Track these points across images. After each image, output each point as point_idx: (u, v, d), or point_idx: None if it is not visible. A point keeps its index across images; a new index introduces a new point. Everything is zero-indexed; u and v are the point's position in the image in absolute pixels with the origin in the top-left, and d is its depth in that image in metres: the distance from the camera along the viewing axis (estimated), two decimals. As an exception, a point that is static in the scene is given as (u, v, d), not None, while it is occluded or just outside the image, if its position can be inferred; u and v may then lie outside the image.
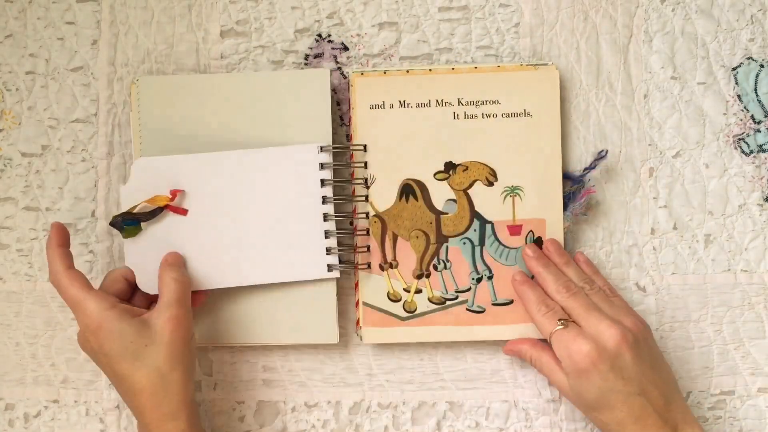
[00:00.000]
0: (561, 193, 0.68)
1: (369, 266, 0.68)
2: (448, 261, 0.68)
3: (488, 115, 0.68)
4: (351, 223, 0.69)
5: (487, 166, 0.68)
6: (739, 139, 0.71)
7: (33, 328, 0.71)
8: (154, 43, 0.71)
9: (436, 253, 0.68)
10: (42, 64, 0.72)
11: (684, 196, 0.70)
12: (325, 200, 0.67)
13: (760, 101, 0.70)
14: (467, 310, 0.68)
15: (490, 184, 0.68)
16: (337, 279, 0.68)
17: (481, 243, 0.68)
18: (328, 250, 0.68)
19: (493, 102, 0.68)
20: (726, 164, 0.71)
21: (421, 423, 0.70)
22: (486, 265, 0.68)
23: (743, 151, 0.71)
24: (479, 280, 0.68)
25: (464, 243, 0.68)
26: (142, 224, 0.66)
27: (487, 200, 0.68)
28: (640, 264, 0.70)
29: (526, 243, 0.68)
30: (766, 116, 0.71)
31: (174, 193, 0.66)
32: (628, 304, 0.67)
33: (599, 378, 0.60)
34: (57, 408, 0.71)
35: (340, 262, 0.68)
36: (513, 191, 0.68)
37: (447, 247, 0.68)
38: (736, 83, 0.71)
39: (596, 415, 0.62)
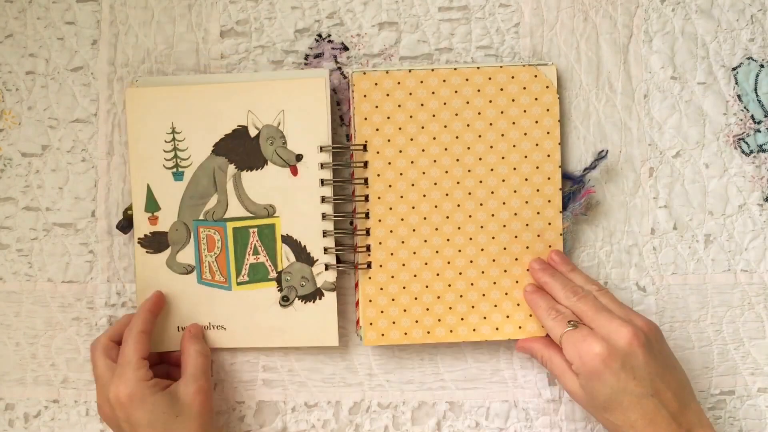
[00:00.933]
0: (560, 193, 0.68)
1: (369, 266, 0.68)
2: None
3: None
4: (351, 223, 0.69)
5: None
6: (739, 139, 0.71)
7: (33, 328, 0.71)
8: (154, 43, 0.71)
9: None
10: (42, 64, 0.72)
11: (684, 196, 0.70)
12: (324, 200, 0.67)
13: (760, 101, 0.70)
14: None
15: None
16: (337, 279, 0.68)
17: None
18: (326, 250, 0.68)
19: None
20: (726, 164, 0.71)
21: (421, 423, 0.70)
22: None
23: (743, 151, 0.71)
24: None
25: None
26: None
27: None
28: (640, 264, 0.70)
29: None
30: (766, 116, 0.71)
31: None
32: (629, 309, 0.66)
33: (611, 377, 0.59)
34: (57, 408, 0.71)
35: (341, 262, 0.68)
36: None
37: None
38: (736, 83, 0.71)
39: (608, 417, 0.60)
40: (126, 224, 0.70)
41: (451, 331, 0.68)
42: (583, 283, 0.66)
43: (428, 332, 0.68)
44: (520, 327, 0.68)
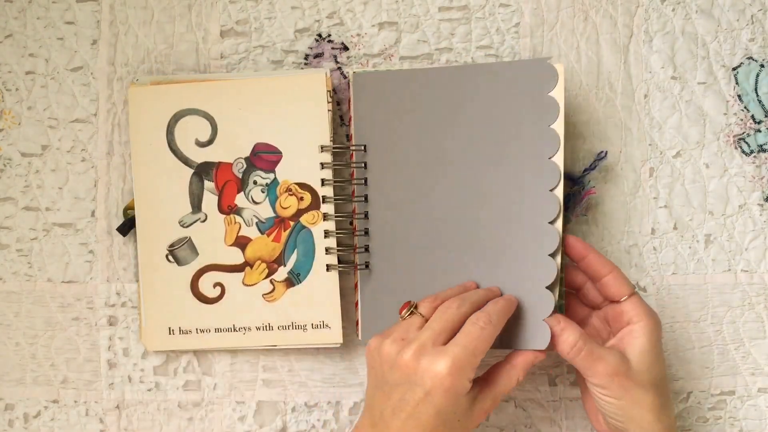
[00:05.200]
0: (560, 198, 0.68)
1: (367, 266, 0.68)
2: None
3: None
4: (351, 223, 0.69)
5: None
6: (740, 139, 0.71)
7: (33, 328, 0.71)
8: (154, 43, 0.71)
9: None
10: (42, 64, 0.72)
11: (684, 196, 0.70)
12: (324, 200, 0.67)
13: (760, 101, 0.70)
14: None
15: None
16: (339, 280, 0.68)
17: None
18: (327, 250, 0.68)
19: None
20: (726, 164, 0.71)
21: (421, 423, 0.70)
22: None
23: (743, 151, 0.71)
24: None
25: None
26: None
27: None
28: (641, 264, 0.70)
29: None
30: (766, 116, 0.71)
31: None
32: None
33: (661, 345, 0.62)
34: (57, 408, 0.71)
35: (340, 262, 0.68)
36: None
37: None
38: (737, 83, 0.71)
39: (651, 394, 0.60)
40: (127, 225, 0.70)
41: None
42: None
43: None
44: None
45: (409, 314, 0.61)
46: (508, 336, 0.63)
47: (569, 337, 0.60)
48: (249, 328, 0.69)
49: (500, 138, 0.66)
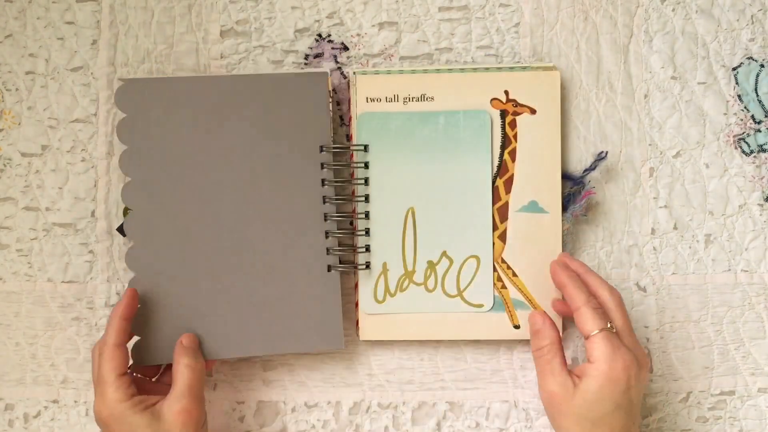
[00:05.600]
0: (560, 193, 0.68)
1: (367, 266, 0.68)
2: None
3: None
4: (351, 223, 0.69)
5: None
6: (740, 139, 0.71)
7: (33, 328, 0.71)
8: (154, 43, 0.71)
9: None
10: (42, 64, 0.72)
11: (684, 196, 0.70)
12: (325, 200, 0.67)
13: (760, 101, 0.70)
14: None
15: None
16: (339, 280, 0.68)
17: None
18: (329, 251, 0.68)
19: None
20: (726, 164, 0.71)
21: (421, 423, 0.70)
22: None
23: (743, 151, 0.71)
24: None
25: None
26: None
27: None
28: (641, 264, 0.70)
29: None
30: (766, 116, 0.71)
31: None
32: None
33: (620, 392, 0.59)
34: (57, 408, 0.71)
35: (340, 262, 0.68)
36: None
37: None
38: (737, 83, 0.71)
39: (589, 427, 0.60)
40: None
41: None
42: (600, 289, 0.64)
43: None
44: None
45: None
46: (306, 341, 0.67)
47: (541, 341, 0.63)
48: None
49: (272, 152, 0.67)
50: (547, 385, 0.62)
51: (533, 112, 0.68)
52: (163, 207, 0.67)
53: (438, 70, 0.69)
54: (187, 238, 0.67)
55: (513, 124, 0.68)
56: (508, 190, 0.68)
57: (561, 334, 0.65)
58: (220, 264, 0.67)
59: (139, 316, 0.66)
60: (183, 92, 0.67)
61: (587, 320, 0.61)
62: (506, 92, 0.68)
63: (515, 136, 0.68)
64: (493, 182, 0.68)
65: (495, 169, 0.68)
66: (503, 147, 0.68)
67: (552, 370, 0.62)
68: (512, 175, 0.68)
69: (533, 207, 0.68)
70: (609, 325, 0.61)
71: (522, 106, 0.68)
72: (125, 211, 0.70)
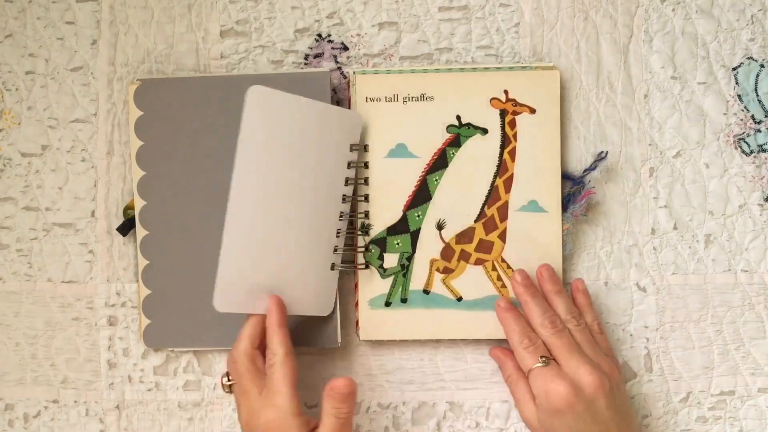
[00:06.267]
0: (560, 192, 0.68)
1: (367, 266, 0.68)
2: None
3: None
4: (351, 223, 0.69)
5: None
6: (740, 139, 0.71)
7: (33, 328, 0.71)
8: (154, 43, 0.71)
9: None
10: (42, 64, 0.72)
11: (684, 196, 0.70)
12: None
13: (760, 101, 0.70)
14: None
15: None
16: (338, 280, 0.68)
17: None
18: (336, 249, 0.67)
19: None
20: (726, 164, 0.71)
21: (421, 423, 0.70)
22: None
23: (743, 151, 0.71)
24: None
25: None
26: None
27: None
28: (641, 264, 0.70)
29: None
30: (766, 116, 0.71)
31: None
32: (610, 344, 0.67)
33: (572, 419, 0.61)
34: (57, 408, 0.71)
35: (343, 261, 0.68)
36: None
37: None
38: (737, 83, 0.71)
39: None
40: (127, 225, 0.70)
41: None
42: (564, 312, 0.65)
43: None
44: None
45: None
46: (302, 336, 0.68)
47: (504, 371, 0.67)
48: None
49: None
50: (521, 411, 0.65)
51: (533, 111, 0.68)
52: (175, 199, 0.69)
53: (438, 70, 0.69)
54: (197, 228, 0.69)
55: (513, 124, 0.68)
56: (507, 190, 0.68)
57: None
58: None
59: (150, 301, 0.69)
60: (196, 91, 0.68)
61: (521, 360, 0.64)
62: (506, 92, 0.68)
63: (515, 136, 0.68)
64: (493, 182, 0.68)
65: (495, 168, 0.68)
66: (503, 146, 0.68)
67: (520, 398, 0.65)
68: (512, 174, 0.68)
69: (533, 206, 0.68)
70: (541, 361, 0.62)
71: (521, 105, 0.68)
72: (125, 212, 0.70)
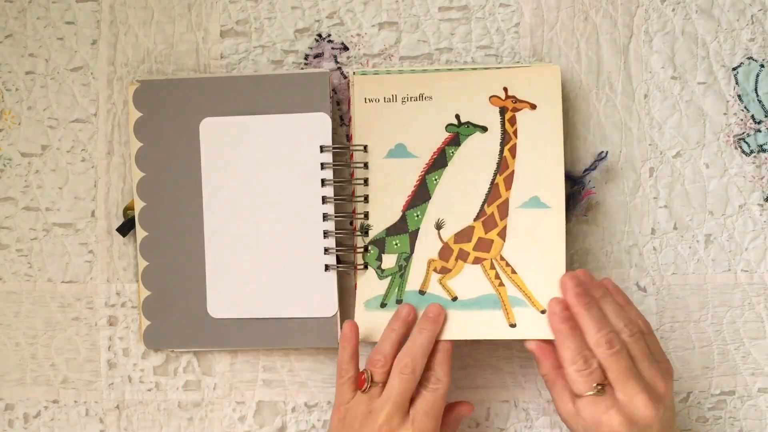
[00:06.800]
0: (563, 187, 0.68)
1: (366, 267, 0.68)
2: None
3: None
4: (351, 224, 0.69)
5: None
6: (740, 139, 0.71)
7: (33, 328, 0.71)
8: (154, 43, 0.71)
9: None
10: (42, 64, 0.72)
11: (684, 196, 0.70)
12: (325, 200, 0.67)
13: (760, 101, 0.70)
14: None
15: None
16: (338, 280, 0.68)
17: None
18: (326, 250, 0.68)
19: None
20: (726, 164, 0.70)
21: (421, 423, 0.70)
22: None
23: (743, 151, 0.71)
24: None
25: None
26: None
27: None
28: (641, 264, 0.70)
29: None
30: (766, 116, 0.71)
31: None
32: (659, 344, 0.63)
33: None
34: (57, 408, 0.71)
35: (340, 262, 0.68)
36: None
37: None
38: (737, 83, 0.71)
39: None
40: (127, 225, 0.70)
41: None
42: (616, 319, 0.61)
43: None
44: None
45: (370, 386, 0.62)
46: (301, 337, 0.68)
47: (541, 369, 0.63)
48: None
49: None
50: (559, 408, 0.62)
51: (533, 107, 0.68)
52: (174, 201, 0.69)
53: (438, 69, 0.69)
54: (197, 230, 0.69)
55: (513, 121, 0.68)
56: (508, 187, 0.68)
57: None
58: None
59: (150, 302, 0.69)
60: (194, 92, 0.68)
61: (573, 383, 0.60)
62: (505, 89, 0.68)
63: (515, 132, 0.68)
64: (493, 179, 0.68)
65: (495, 166, 0.68)
66: (503, 143, 0.68)
67: (558, 396, 0.62)
68: (512, 171, 0.68)
69: (535, 203, 0.68)
70: (596, 388, 0.59)
71: (522, 102, 0.68)
72: (125, 212, 0.70)
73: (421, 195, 0.68)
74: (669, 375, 0.61)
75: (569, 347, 0.60)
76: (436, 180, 0.68)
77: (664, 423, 0.59)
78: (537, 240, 0.68)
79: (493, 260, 0.68)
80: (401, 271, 0.68)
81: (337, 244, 0.68)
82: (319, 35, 0.71)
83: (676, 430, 0.62)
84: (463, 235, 0.68)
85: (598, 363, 0.59)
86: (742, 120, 0.71)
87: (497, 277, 0.68)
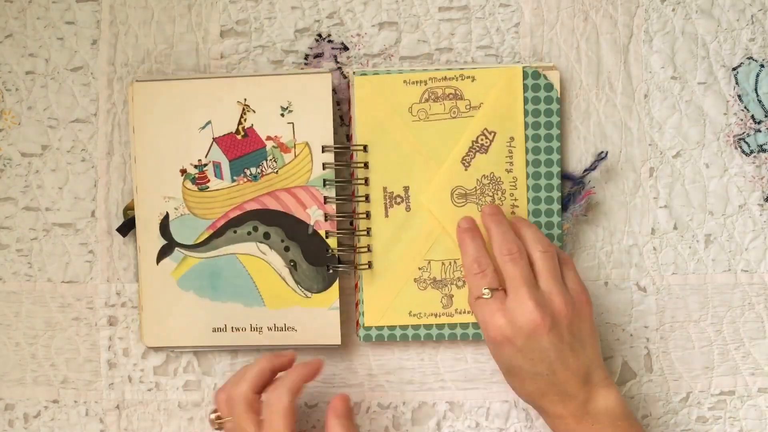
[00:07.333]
0: (561, 193, 0.68)
1: (369, 266, 0.68)
2: None
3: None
4: (351, 223, 0.69)
5: None
6: (740, 139, 0.71)
7: (33, 328, 0.71)
8: (154, 43, 0.71)
9: None
10: (42, 64, 0.72)
11: (684, 196, 0.70)
12: (326, 200, 0.68)
13: (760, 101, 0.70)
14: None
15: None
16: (338, 280, 0.68)
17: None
18: (328, 250, 0.68)
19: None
20: (726, 164, 0.71)
21: (421, 423, 0.70)
22: None
23: (743, 151, 0.71)
24: None
25: None
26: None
27: None
28: (641, 264, 0.70)
29: None
30: (766, 116, 0.71)
31: None
32: (578, 275, 0.64)
33: (509, 352, 0.61)
34: (57, 408, 0.71)
35: (341, 262, 0.68)
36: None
37: None
38: (737, 83, 0.71)
39: (509, 380, 0.63)
40: (127, 225, 0.70)
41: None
42: (533, 240, 0.63)
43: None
44: None
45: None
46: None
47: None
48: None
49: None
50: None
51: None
52: None
53: (438, 70, 0.69)
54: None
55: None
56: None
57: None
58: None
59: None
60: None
61: (468, 287, 0.64)
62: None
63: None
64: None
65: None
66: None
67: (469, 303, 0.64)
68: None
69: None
70: (485, 293, 0.61)
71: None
72: (125, 212, 0.70)
73: (421, 195, 0.69)
74: (579, 296, 0.62)
75: (468, 253, 0.64)
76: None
77: (558, 342, 0.60)
78: None
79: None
80: None
81: (338, 244, 0.68)
82: (319, 35, 0.71)
83: (587, 354, 0.61)
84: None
85: (496, 269, 0.62)
86: (742, 120, 0.71)
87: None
